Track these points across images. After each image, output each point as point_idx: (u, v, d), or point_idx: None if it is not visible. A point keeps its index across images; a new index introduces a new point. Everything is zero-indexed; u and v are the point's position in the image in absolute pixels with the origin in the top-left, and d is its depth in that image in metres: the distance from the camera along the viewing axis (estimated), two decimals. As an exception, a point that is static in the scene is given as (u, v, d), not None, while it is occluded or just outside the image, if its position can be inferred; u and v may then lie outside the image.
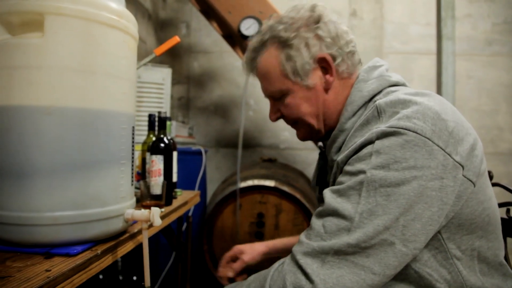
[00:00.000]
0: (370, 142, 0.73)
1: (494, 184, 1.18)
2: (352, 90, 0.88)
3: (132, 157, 0.86)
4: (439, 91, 2.06)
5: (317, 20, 0.89)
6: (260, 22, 2.00)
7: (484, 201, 0.76)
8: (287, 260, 0.76)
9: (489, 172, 1.19)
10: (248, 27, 2.02)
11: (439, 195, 0.69)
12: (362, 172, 0.71)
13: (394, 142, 0.70)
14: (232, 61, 3.06)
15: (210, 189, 2.80)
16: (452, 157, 0.70)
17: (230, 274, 1.12)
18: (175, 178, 1.36)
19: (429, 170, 0.68)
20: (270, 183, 2.13)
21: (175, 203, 1.34)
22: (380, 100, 0.77)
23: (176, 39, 1.41)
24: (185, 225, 1.84)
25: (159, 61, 2.54)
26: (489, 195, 0.78)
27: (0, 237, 0.73)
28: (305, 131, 0.95)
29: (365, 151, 0.73)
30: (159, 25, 3.11)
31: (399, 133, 0.70)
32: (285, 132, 3.04)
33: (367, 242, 0.68)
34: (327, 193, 0.77)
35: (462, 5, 2.91)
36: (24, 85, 0.71)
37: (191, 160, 2.23)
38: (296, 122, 0.95)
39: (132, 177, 0.87)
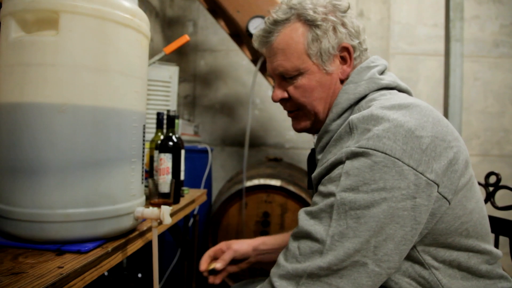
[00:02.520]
0: (340, 162, 0.72)
1: (501, 187, 1.18)
2: (340, 92, 0.87)
3: (143, 155, 0.87)
4: (446, 92, 2.06)
5: (345, 10, 0.88)
6: (268, 22, 1.99)
7: (462, 215, 0.74)
8: (265, 283, 0.77)
9: (497, 175, 1.19)
10: (257, 26, 2.01)
11: (412, 215, 0.68)
12: (332, 194, 0.71)
13: (363, 163, 0.69)
14: (238, 60, 3.06)
15: (215, 188, 2.81)
16: (425, 175, 0.68)
17: (219, 265, 1.08)
18: (182, 177, 1.36)
19: (399, 190, 0.67)
20: (276, 182, 2.13)
21: (183, 201, 1.35)
22: (353, 116, 0.75)
23: (185, 38, 1.41)
24: (191, 222, 1.85)
25: (166, 59, 2.54)
26: (471, 208, 0.76)
27: (12, 233, 0.74)
28: (306, 120, 0.92)
29: (336, 171, 0.73)
30: (166, 23, 3.12)
31: (368, 154, 0.69)
32: (290, 132, 3.03)
33: (339, 264, 0.68)
34: (301, 213, 0.76)
35: (470, 6, 2.90)
36: (37, 82, 0.71)
37: (197, 158, 2.24)
38: (299, 109, 0.91)
39: (143, 175, 0.87)
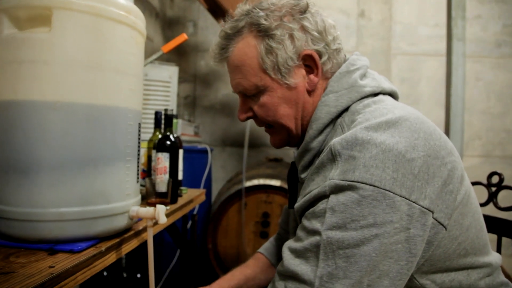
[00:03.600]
0: (324, 196, 0.66)
1: (503, 187, 1.17)
2: (319, 104, 0.78)
3: (138, 154, 0.86)
4: (448, 92, 2.04)
5: (304, 10, 0.78)
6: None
7: (459, 235, 0.69)
8: None
9: (500, 175, 1.17)
10: (256, 26, 2.00)
11: (407, 247, 0.63)
12: (317, 233, 0.65)
13: (349, 198, 0.62)
14: (239, 60, 3.05)
15: (215, 188, 2.80)
16: (418, 204, 0.63)
17: None
18: (180, 176, 1.35)
19: (392, 225, 0.62)
20: (275, 182, 2.12)
21: (181, 201, 1.34)
22: (335, 141, 0.67)
23: (183, 37, 1.41)
24: (190, 223, 1.84)
25: (166, 59, 2.54)
26: (467, 225, 0.71)
27: (4, 233, 0.73)
28: (281, 136, 0.84)
29: (320, 206, 0.66)
30: (167, 24, 3.11)
31: (354, 187, 0.62)
32: (291, 132, 3.02)
33: None
34: (286, 251, 0.71)
35: (472, 6, 2.88)
36: (30, 80, 0.70)
37: (196, 158, 2.23)
38: (270, 125, 0.84)
39: (138, 174, 0.86)
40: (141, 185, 1.16)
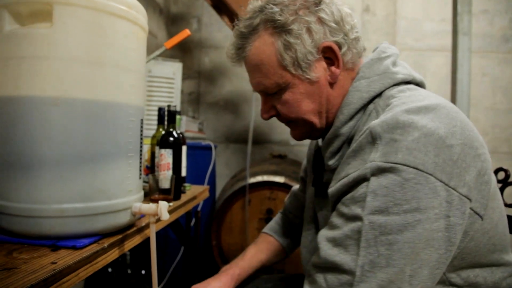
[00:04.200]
0: (364, 179, 0.64)
1: (510, 183, 1.15)
2: (350, 89, 0.77)
3: (140, 150, 0.85)
4: (454, 88, 2.02)
5: (319, 1, 0.76)
6: (271, 17, 1.97)
7: (490, 229, 0.68)
8: None
9: (506, 171, 1.16)
10: (260, 22, 1.99)
11: (446, 235, 0.62)
12: (359, 218, 0.63)
13: (392, 181, 0.61)
14: (243, 57, 3.04)
15: (219, 185, 2.80)
16: (457, 191, 0.62)
17: None
18: (184, 173, 1.35)
19: (433, 210, 0.60)
20: (279, 179, 2.11)
21: (184, 197, 1.33)
22: (375, 123, 0.65)
23: (186, 32, 1.40)
24: (193, 220, 1.84)
25: (169, 55, 2.53)
26: (496, 220, 0.70)
27: (7, 229, 0.73)
28: (304, 130, 0.83)
29: (360, 190, 0.64)
30: (170, 20, 3.11)
31: (397, 170, 0.60)
32: (295, 129, 3.01)
33: None
34: (323, 241, 0.68)
35: (478, 0, 2.85)
36: (32, 75, 0.70)
37: (200, 155, 2.23)
38: (293, 121, 0.83)
39: (140, 170, 0.86)
40: (145, 182, 1.16)
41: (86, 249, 0.72)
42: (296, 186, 1.20)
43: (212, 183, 2.31)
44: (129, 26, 0.78)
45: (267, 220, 2.14)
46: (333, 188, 0.71)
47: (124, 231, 0.84)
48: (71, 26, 0.71)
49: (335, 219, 0.68)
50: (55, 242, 0.72)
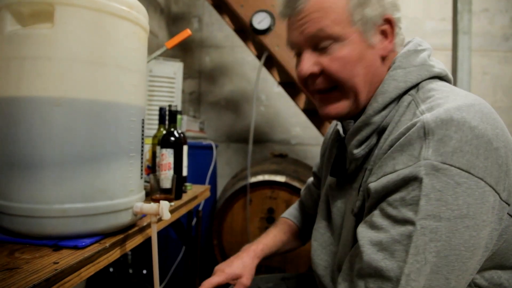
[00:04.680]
0: (415, 178, 0.60)
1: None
2: (386, 77, 0.74)
3: (142, 150, 0.85)
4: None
5: None
6: (272, 16, 1.98)
7: None
8: None
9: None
10: (261, 21, 2.00)
11: (485, 243, 0.60)
12: (410, 222, 0.59)
13: (445, 184, 0.58)
14: (244, 56, 3.04)
15: (221, 184, 2.80)
16: (500, 195, 0.60)
17: None
18: (185, 172, 1.35)
19: (481, 216, 0.58)
20: (280, 178, 2.12)
21: (185, 197, 1.34)
22: (428, 117, 0.62)
23: (187, 32, 1.40)
24: (195, 219, 1.84)
25: (170, 55, 2.53)
26: None
27: (9, 229, 0.73)
28: (344, 101, 0.76)
29: (412, 192, 0.60)
30: (171, 19, 3.11)
31: (450, 172, 0.58)
32: (296, 128, 3.01)
33: None
34: (367, 244, 0.64)
35: (479, -1, 2.85)
36: (33, 76, 0.70)
37: (201, 154, 2.23)
38: (335, 87, 0.76)
39: (142, 170, 0.86)
40: (146, 181, 1.16)
41: (88, 249, 0.72)
42: (311, 178, 1.21)
43: (213, 183, 2.31)
44: (130, 27, 0.78)
45: (268, 219, 2.14)
46: (376, 183, 0.66)
47: (125, 231, 0.84)
48: (72, 26, 0.71)
49: (379, 219, 0.64)
50: (57, 242, 0.72)
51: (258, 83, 2.14)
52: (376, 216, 0.65)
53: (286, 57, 2.04)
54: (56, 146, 0.71)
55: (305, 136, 3.01)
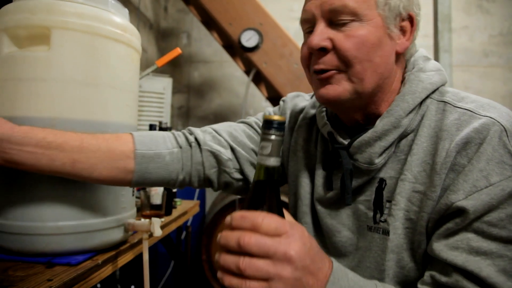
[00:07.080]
0: None
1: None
2: (412, 78, 0.69)
3: (134, 168, 0.87)
4: (436, 102, 2.09)
5: None
6: (260, 34, 2.02)
7: None
8: None
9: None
10: (249, 39, 2.04)
11: None
12: None
13: None
14: (232, 71, 3.08)
15: (209, 199, 2.81)
16: None
17: None
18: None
19: None
20: (269, 192, 2.13)
21: (175, 213, 1.35)
22: (498, 118, 0.61)
23: (177, 51, 1.43)
24: (184, 234, 1.85)
25: (159, 70, 2.56)
26: None
27: (2, 246, 0.74)
28: (347, 84, 0.67)
29: None
30: (160, 35, 3.14)
31: None
32: (284, 142, 3.05)
33: None
34: (495, 277, 0.58)
35: (459, 17, 2.95)
36: (29, 97, 0.72)
37: (190, 169, 2.24)
38: (342, 68, 0.67)
39: (133, 187, 0.88)
40: (137, 197, 1.18)
41: (81, 265, 0.73)
42: (249, 119, 1.00)
43: (202, 197, 2.32)
44: (124, 49, 0.81)
45: (257, 233, 2.15)
46: (473, 201, 0.59)
47: (117, 247, 0.85)
48: (68, 49, 0.73)
49: (483, 244, 0.59)
50: (51, 259, 0.73)
51: (246, 98, 2.18)
52: (475, 241, 0.59)
53: (273, 73, 2.08)
54: (50, 165, 0.72)
55: (293, 149, 3.05)
